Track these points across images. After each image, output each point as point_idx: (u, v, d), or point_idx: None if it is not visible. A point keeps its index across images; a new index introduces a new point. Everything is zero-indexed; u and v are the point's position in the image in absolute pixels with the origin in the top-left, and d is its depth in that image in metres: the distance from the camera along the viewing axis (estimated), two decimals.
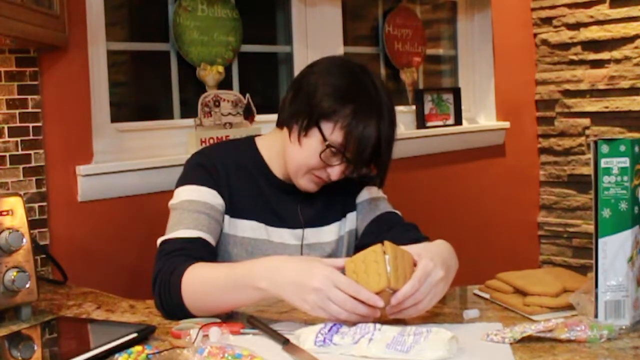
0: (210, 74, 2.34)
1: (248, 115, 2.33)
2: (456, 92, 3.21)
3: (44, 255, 1.80)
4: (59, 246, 1.88)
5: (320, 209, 1.58)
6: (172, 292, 1.30)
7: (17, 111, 1.81)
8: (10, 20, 1.52)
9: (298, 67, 2.49)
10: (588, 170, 3.32)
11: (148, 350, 1.11)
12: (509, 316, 1.32)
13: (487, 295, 1.44)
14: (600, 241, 1.20)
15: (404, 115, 3.09)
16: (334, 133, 1.42)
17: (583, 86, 3.41)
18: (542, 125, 3.60)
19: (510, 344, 1.14)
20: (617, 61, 3.29)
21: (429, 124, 3.08)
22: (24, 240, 1.36)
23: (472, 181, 3.28)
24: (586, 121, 3.43)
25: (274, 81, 2.71)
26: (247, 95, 2.34)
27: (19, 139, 1.82)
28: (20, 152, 1.82)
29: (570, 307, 1.28)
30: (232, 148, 1.60)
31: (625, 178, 1.18)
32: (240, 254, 1.50)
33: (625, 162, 1.18)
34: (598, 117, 3.39)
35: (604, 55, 3.33)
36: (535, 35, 3.57)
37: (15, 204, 1.37)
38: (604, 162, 1.19)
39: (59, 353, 1.22)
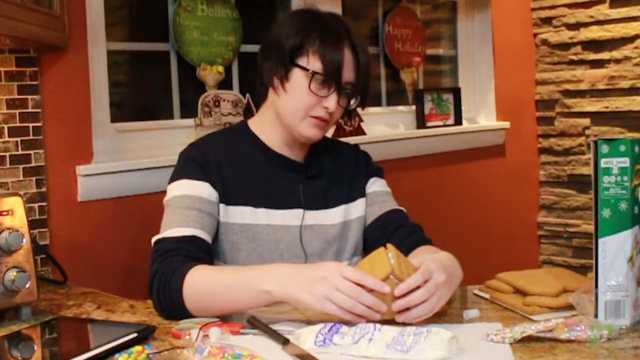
0: (210, 74, 2.34)
1: (248, 115, 2.33)
2: (456, 92, 3.21)
3: (44, 255, 1.80)
4: (59, 246, 1.88)
5: (324, 190, 1.57)
6: (173, 294, 1.30)
7: (17, 111, 1.81)
8: (10, 20, 1.52)
9: None
10: (588, 170, 3.32)
11: (148, 350, 1.11)
12: (509, 316, 1.32)
13: (487, 295, 1.44)
14: (600, 241, 1.20)
15: (404, 115, 3.10)
16: (310, 61, 1.45)
17: (583, 86, 3.41)
18: (542, 125, 3.60)
19: (510, 344, 1.14)
20: (617, 61, 3.29)
21: (429, 124, 3.08)
22: (24, 240, 1.36)
23: (472, 181, 3.28)
24: (586, 121, 3.44)
25: None
26: (247, 95, 2.34)
27: (19, 139, 1.82)
28: (20, 152, 1.82)
29: (570, 307, 1.28)
30: (225, 135, 1.60)
31: (625, 178, 1.18)
32: (241, 242, 1.48)
33: (625, 162, 1.18)
34: (598, 117, 3.39)
35: (604, 55, 3.33)
36: (535, 35, 3.57)
37: (15, 204, 1.37)
38: (604, 162, 1.19)
39: (59, 353, 1.22)
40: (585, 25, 3.37)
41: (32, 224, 1.74)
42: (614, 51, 3.29)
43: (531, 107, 3.59)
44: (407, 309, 1.20)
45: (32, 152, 1.84)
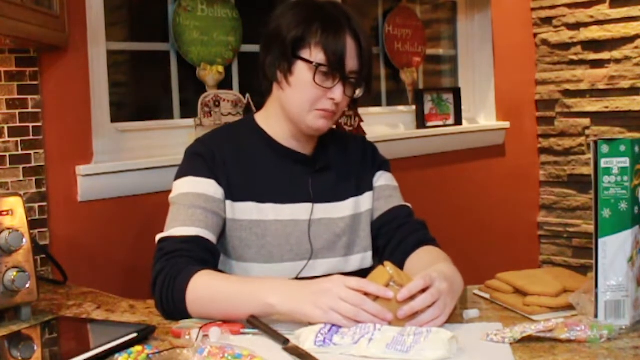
0: (210, 74, 2.34)
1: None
2: (456, 92, 3.21)
3: (44, 255, 1.80)
4: (59, 246, 1.88)
5: (333, 183, 1.56)
6: (176, 297, 1.30)
7: (17, 111, 1.81)
8: (10, 20, 1.52)
9: None
10: (588, 170, 3.32)
11: (148, 350, 1.11)
12: (509, 316, 1.32)
13: (487, 295, 1.44)
14: (600, 241, 1.20)
15: (404, 115, 3.10)
16: (313, 53, 1.44)
17: (583, 86, 3.41)
18: (542, 125, 3.60)
19: (510, 344, 1.14)
20: (617, 61, 3.29)
21: (429, 124, 3.08)
22: (24, 240, 1.36)
23: (472, 181, 3.28)
24: (586, 121, 3.44)
25: None
26: (247, 95, 2.34)
27: (19, 139, 1.82)
28: (20, 152, 1.82)
29: (570, 307, 1.28)
30: (232, 130, 1.59)
31: (625, 178, 1.18)
32: (249, 238, 1.47)
33: (625, 162, 1.18)
34: (598, 117, 3.39)
35: (604, 55, 3.33)
36: (535, 35, 3.57)
37: (15, 204, 1.37)
38: (604, 162, 1.19)
39: (59, 353, 1.22)
40: (585, 25, 3.37)
41: (32, 224, 1.74)
42: (614, 51, 3.30)
43: (531, 107, 3.59)
44: (414, 316, 1.20)
45: (32, 152, 1.84)
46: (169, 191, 1.51)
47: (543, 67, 3.56)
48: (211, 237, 1.42)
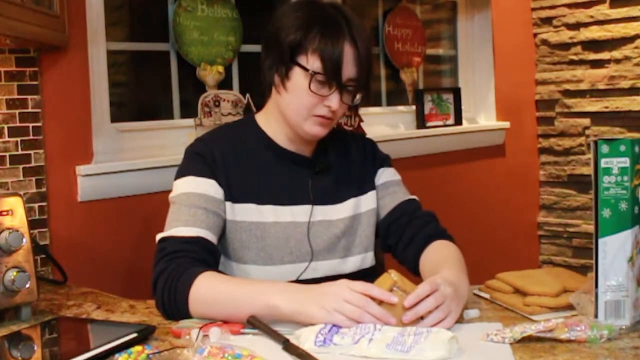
0: (210, 74, 2.34)
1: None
2: (456, 92, 3.21)
3: (44, 255, 1.80)
4: (59, 246, 1.88)
5: (333, 184, 1.55)
6: (179, 298, 1.30)
7: (17, 111, 1.81)
8: (10, 20, 1.52)
9: None
10: (588, 170, 3.32)
11: (148, 350, 1.11)
12: (509, 316, 1.32)
13: (487, 295, 1.44)
14: (600, 241, 1.19)
15: (404, 115, 3.10)
16: (310, 60, 1.42)
17: (583, 86, 3.41)
18: (542, 125, 3.60)
19: (510, 344, 1.14)
20: (617, 61, 3.29)
21: (429, 124, 3.08)
22: (24, 240, 1.36)
23: (472, 181, 3.28)
24: (586, 121, 3.44)
25: None
26: (247, 95, 2.34)
27: (19, 139, 1.82)
28: (20, 152, 1.82)
29: (570, 307, 1.28)
30: (232, 130, 1.58)
31: (625, 178, 1.18)
32: (249, 240, 1.47)
33: (625, 162, 1.18)
34: (598, 117, 3.39)
35: (604, 55, 3.33)
36: (535, 35, 3.57)
37: (15, 204, 1.37)
38: (604, 162, 1.19)
39: (59, 353, 1.22)
40: (585, 25, 3.37)
41: (32, 224, 1.74)
42: (614, 51, 3.30)
43: (531, 107, 3.59)
44: (418, 321, 1.20)
45: (32, 152, 1.84)
46: (169, 191, 1.51)
47: (543, 67, 3.56)
48: (212, 237, 1.42)
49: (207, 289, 1.29)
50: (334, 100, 1.43)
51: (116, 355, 1.11)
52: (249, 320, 1.24)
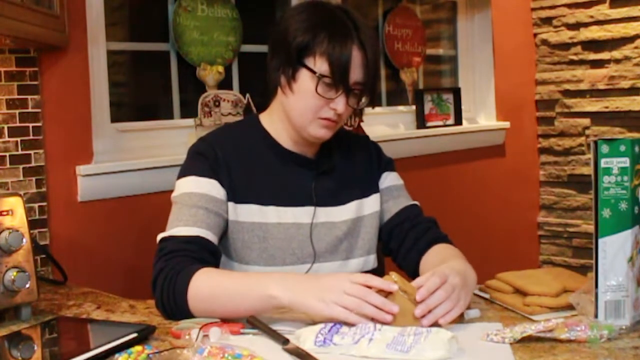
0: (210, 74, 2.34)
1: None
2: (456, 92, 3.21)
3: (44, 255, 1.80)
4: (59, 246, 1.88)
5: (336, 186, 1.55)
6: (177, 295, 1.30)
7: (17, 111, 1.81)
8: (10, 20, 1.52)
9: None
10: (588, 170, 3.32)
11: (148, 350, 1.11)
12: (509, 316, 1.32)
13: (487, 295, 1.44)
14: (600, 241, 1.19)
15: (404, 115, 3.10)
16: (317, 63, 1.41)
17: (583, 86, 3.41)
18: (542, 125, 3.60)
19: (510, 344, 1.14)
20: (617, 61, 3.29)
21: (429, 124, 3.08)
22: (24, 240, 1.36)
23: (472, 181, 3.28)
24: (586, 121, 3.44)
25: None
26: (247, 95, 2.34)
27: (19, 139, 1.82)
28: (20, 152, 1.82)
29: (570, 307, 1.28)
30: (236, 130, 1.58)
31: (625, 178, 1.18)
32: (252, 240, 1.46)
33: (625, 162, 1.18)
34: (598, 117, 3.39)
35: (604, 55, 3.33)
36: (535, 35, 3.57)
37: (15, 204, 1.37)
38: (604, 162, 1.19)
39: (59, 353, 1.22)
40: (585, 25, 3.37)
41: (32, 224, 1.74)
42: (614, 51, 3.30)
43: (531, 107, 3.59)
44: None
45: (32, 152, 1.84)
46: (169, 191, 1.51)
47: (543, 67, 3.56)
48: (213, 237, 1.42)
49: (205, 285, 1.29)
50: (340, 104, 1.43)
51: (116, 355, 1.11)
52: (249, 320, 1.24)
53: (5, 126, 1.79)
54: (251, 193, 1.48)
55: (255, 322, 1.23)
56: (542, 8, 3.53)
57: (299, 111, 1.45)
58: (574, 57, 3.43)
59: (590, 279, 1.24)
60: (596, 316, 1.21)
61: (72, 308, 1.48)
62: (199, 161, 1.47)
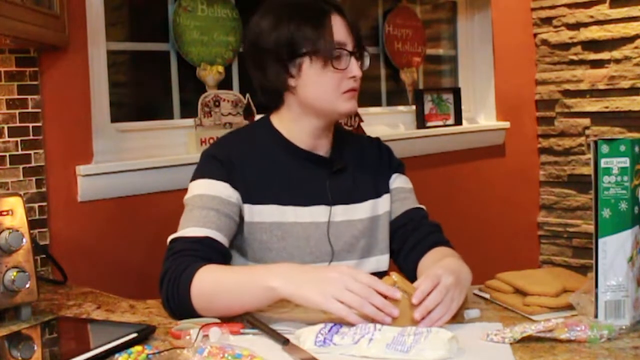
0: (210, 74, 2.34)
1: (248, 115, 2.33)
2: (456, 92, 3.21)
3: (44, 255, 1.80)
4: (59, 246, 1.88)
5: (351, 184, 1.56)
6: (181, 292, 1.30)
7: (17, 111, 1.81)
8: (10, 20, 1.52)
9: None
10: (588, 170, 3.32)
11: (148, 350, 1.11)
12: (509, 316, 1.32)
13: (487, 295, 1.44)
14: (600, 241, 1.19)
15: (404, 115, 3.10)
16: (313, 46, 1.44)
17: (583, 86, 3.41)
18: (542, 125, 3.60)
19: (510, 344, 1.14)
20: (617, 61, 3.29)
21: (429, 124, 3.08)
22: (24, 240, 1.36)
23: (472, 181, 3.28)
24: (586, 121, 3.44)
25: None
26: (247, 95, 2.34)
27: (19, 139, 1.82)
28: (20, 152, 1.82)
29: (570, 307, 1.28)
30: (249, 132, 1.59)
31: (625, 178, 1.18)
32: (270, 240, 1.47)
33: (625, 162, 1.18)
34: (598, 117, 3.39)
35: (604, 55, 3.33)
36: (535, 35, 3.57)
37: (15, 204, 1.37)
38: (604, 162, 1.19)
39: (59, 353, 1.22)
40: (585, 25, 3.37)
41: (32, 224, 1.74)
42: (614, 51, 3.29)
43: (531, 107, 3.59)
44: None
45: (32, 152, 1.84)
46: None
47: (543, 67, 3.56)
48: (222, 239, 1.42)
49: (207, 280, 1.29)
50: (354, 68, 1.47)
51: (116, 355, 1.11)
52: (249, 320, 1.24)
53: (5, 126, 1.79)
54: (268, 193, 1.48)
55: (255, 322, 1.23)
56: (542, 8, 3.53)
57: (322, 95, 1.47)
58: (574, 57, 3.43)
59: (590, 279, 1.24)
60: (596, 316, 1.21)
61: (72, 308, 1.48)
62: (212, 164, 1.49)
